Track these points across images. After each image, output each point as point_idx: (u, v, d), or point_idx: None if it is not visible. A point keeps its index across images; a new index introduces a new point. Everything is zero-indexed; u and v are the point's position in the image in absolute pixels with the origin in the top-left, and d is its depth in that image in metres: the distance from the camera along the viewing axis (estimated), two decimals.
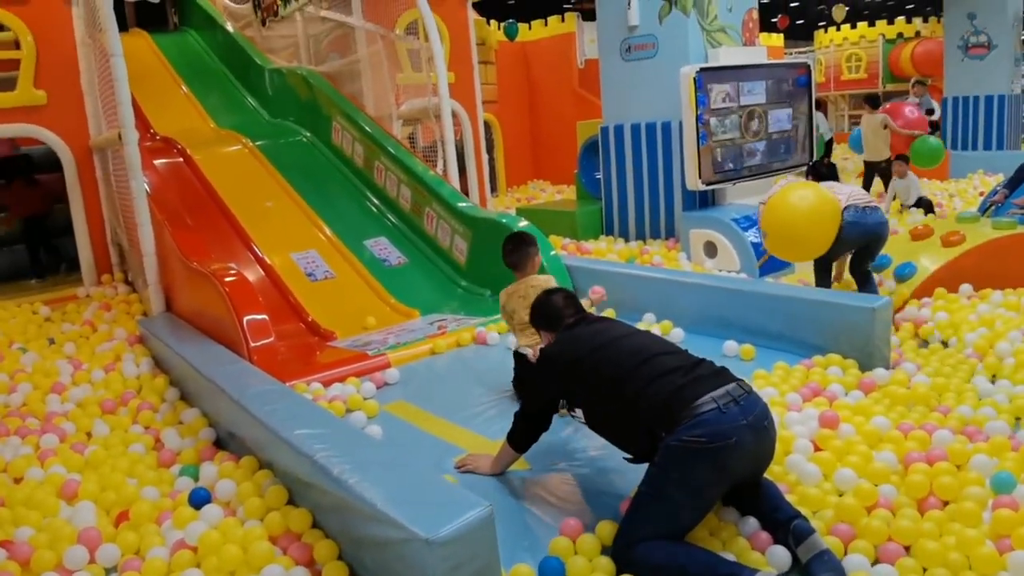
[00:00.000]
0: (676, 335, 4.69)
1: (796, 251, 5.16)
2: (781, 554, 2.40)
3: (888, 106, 10.13)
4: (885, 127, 9.42)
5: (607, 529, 2.55)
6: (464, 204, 6.03)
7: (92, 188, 6.65)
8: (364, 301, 5.58)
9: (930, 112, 12.12)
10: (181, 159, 6.64)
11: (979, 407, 3.40)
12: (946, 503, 2.67)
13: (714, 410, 2.39)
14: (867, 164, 9.83)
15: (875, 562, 2.38)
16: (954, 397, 3.57)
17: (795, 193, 4.92)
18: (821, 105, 12.76)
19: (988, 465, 2.84)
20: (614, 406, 2.62)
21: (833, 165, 10.31)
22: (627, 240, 7.83)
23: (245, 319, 4.29)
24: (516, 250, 4.02)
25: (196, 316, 4.85)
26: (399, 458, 2.64)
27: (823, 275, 5.33)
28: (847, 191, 5.12)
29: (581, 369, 2.72)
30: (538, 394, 2.96)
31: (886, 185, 8.94)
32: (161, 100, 7.76)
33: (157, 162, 6.43)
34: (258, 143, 7.00)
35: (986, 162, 11.59)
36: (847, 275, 5.45)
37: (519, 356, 3.84)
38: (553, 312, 3.07)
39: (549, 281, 3.89)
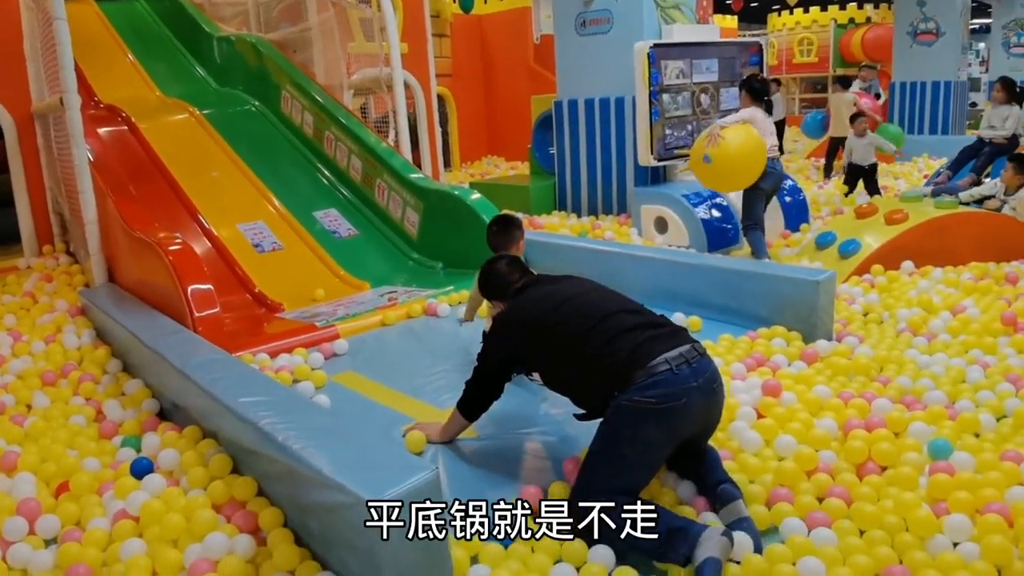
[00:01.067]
0: None
1: (737, 180, 5.72)
2: (712, 520, 2.44)
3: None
4: (855, 105, 9.71)
5: (558, 490, 2.58)
6: (416, 176, 5.98)
7: (33, 156, 6.42)
8: (313, 273, 5.52)
9: (876, 97, 12.37)
10: (126, 127, 6.45)
11: (919, 378, 3.51)
12: (884, 468, 2.75)
13: (667, 371, 2.43)
14: (832, 139, 10.26)
15: (811, 527, 2.44)
16: (895, 368, 3.68)
17: (743, 132, 5.55)
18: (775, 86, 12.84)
19: (925, 432, 2.93)
20: (574, 367, 2.62)
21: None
22: (580, 215, 7.86)
23: (189, 289, 4.21)
24: (502, 232, 3.92)
25: (139, 287, 4.75)
26: (345, 425, 2.62)
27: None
28: (769, 143, 5.78)
29: (537, 332, 2.72)
30: (491, 360, 2.90)
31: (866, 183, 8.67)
32: (106, 68, 7.52)
33: (101, 130, 6.25)
34: (205, 112, 6.83)
35: (931, 146, 11.87)
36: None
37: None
38: (499, 279, 3.05)
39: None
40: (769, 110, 6.05)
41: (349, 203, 6.35)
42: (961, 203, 5.84)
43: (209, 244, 5.54)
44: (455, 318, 4.67)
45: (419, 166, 6.67)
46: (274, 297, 5.12)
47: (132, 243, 4.68)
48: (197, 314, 4.15)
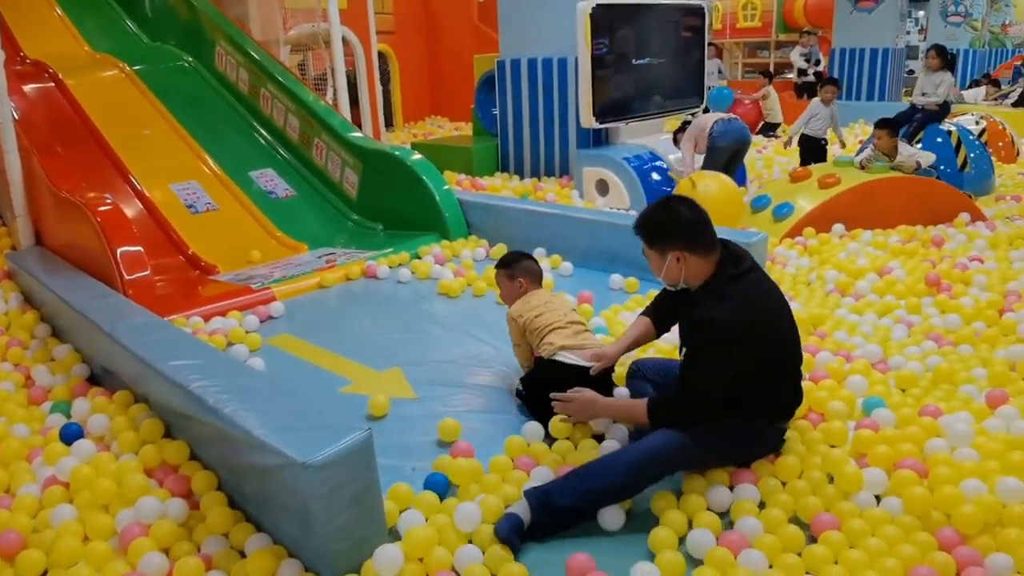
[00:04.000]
0: (565, 268, 4.80)
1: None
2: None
3: None
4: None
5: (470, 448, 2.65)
6: (355, 135, 5.89)
7: None
8: (249, 234, 5.42)
9: (817, 63, 12.55)
10: (53, 84, 6.17)
11: (854, 333, 3.65)
12: (821, 415, 2.84)
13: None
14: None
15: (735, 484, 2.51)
16: (831, 324, 3.81)
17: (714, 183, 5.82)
18: (717, 51, 12.90)
19: (862, 385, 3.05)
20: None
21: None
22: (522, 177, 7.85)
23: (119, 251, 4.10)
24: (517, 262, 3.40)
25: (68, 249, 4.60)
26: (278, 387, 2.60)
27: None
28: (714, 116, 6.45)
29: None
30: (719, 377, 2.39)
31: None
32: (32, 22, 7.16)
33: (26, 87, 5.98)
34: (136, 68, 6.58)
35: (868, 112, 12.07)
36: None
37: (534, 378, 3.07)
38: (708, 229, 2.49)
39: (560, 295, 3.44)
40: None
41: (286, 163, 6.22)
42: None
43: (140, 205, 5.38)
44: (395, 280, 4.65)
45: (359, 125, 6.55)
46: (208, 259, 5.02)
47: (59, 204, 4.52)
48: (127, 277, 4.06)
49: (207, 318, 4.00)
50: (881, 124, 6.04)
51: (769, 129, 11.57)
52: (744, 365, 2.34)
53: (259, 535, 2.26)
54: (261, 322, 4.08)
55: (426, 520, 2.30)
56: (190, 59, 6.95)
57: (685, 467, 2.46)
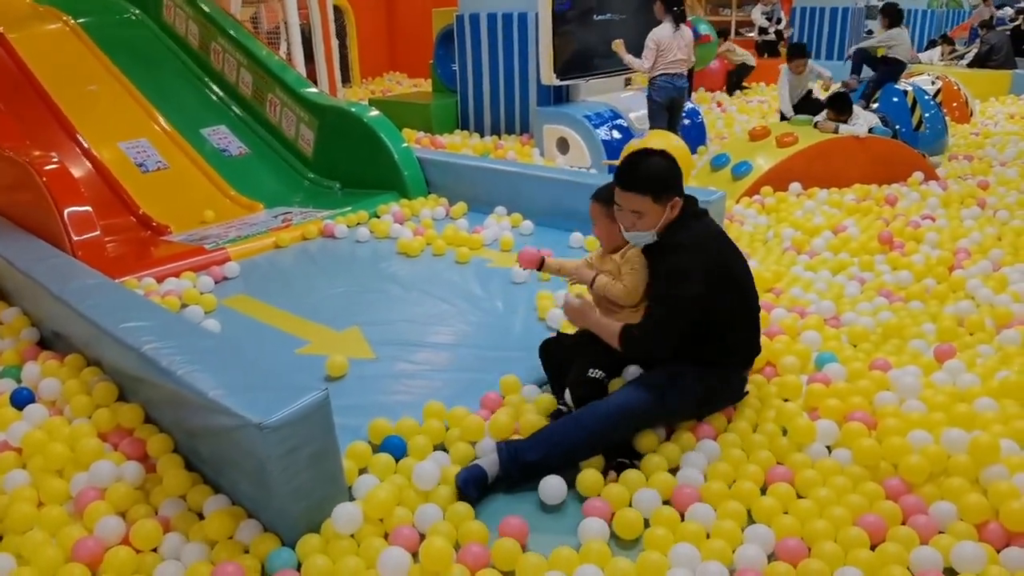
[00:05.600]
0: (526, 227, 4.78)
1: None
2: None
3: None
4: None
5: (433, 407, 2.64)
6: (310, 91, 5.76)
7: None
8: (202, 194, 5.31)
9: (778, 21, 12.55)
10: None
11: (809, 290, 3.71)
12: (775, 369, 2.89)
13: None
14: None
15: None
16: (786, 281, 3.86)
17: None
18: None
19: (816, 340, 3.11)
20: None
21: None
22: (482, 135, 7.78)
23: (66, 211, 3.99)
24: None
25: (13, 210, 4.44)
26: (233, 348, 2.56)
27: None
28: (665, 60, 6.37)
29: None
30: (685, 301, 2.40)
31: None
32: None
33: None
34: (81, 21, 6.34)
35: (829, 70, 12.15)
36: None
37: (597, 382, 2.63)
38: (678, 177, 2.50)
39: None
40: (680, 18, 6.41)
41: (239, 120, 6.08)
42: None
43: (88, 164, 5.23)
44: (353, 239, 4.59)
45: (314, 81, 6.42)
46: (160, 219, 4.91)
47: (3, 163, 4.37)
48: (76, 238, 3.96)
49: (160, 279, 3.93)
50: (829, 102, 6.04)
51: (738, 81, 11.60)
52: (706, 296, 2.37)
53: (217, 496, 2.24)
54: (216, 283, 4.02)
55: (381, 482, 2.30)
56: (137, 11, 6.72)
57: (652, 422, 2.50)
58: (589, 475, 2.32)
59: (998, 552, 2.01)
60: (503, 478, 2.35)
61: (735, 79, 11.71)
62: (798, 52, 7.15)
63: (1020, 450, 2.32)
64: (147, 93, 5.93)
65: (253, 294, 3.90)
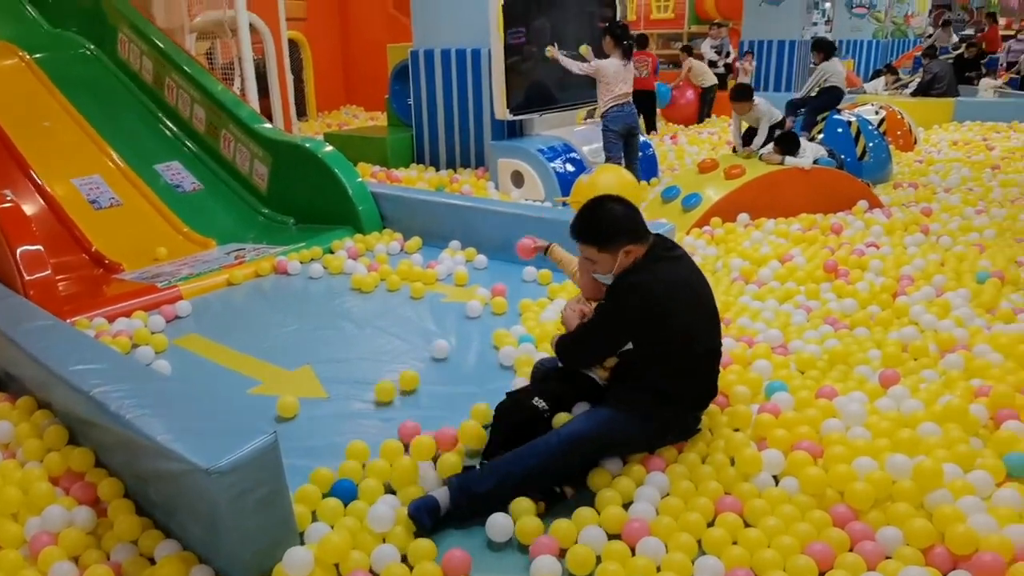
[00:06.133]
0: (480, 261, 4.81)
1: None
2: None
3: None
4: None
5: (391, 448, 2.63)
6: (264, 126, 5.76)
7: None
8: (155, 231, 5.26)
9: (727, 55, 12.86)
10: None
11: (756, 319, 3.79)
12: (726, 397, 2.94)
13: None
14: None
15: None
16: (735, 311, 3.94)
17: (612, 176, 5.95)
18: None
19: (767, 369, 3.17)
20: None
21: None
22: (438, 169, 7.82)
23: (18, 250, 3.95)
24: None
25: None
26: (183, 391, 2.55)
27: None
28: (612, 94, 6.53)
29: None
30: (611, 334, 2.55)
31: None
32: None
33: None
34: (36, 56, 6.29)
35: (776, 103, 12.44)
36: None
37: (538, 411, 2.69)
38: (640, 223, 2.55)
39: None
40: (629, 52, 6.57)
41: (193, 155, 6.05)
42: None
43: (41, 201, 5.17)
44: (306, 276, 4.58)
45: (269, 116, 6.42)
46: (113, 257, 4.85)
47: None
48: (27, 277, 3.92)
49: (111, 319, 3.89)
50: (777, 140, 6.15)
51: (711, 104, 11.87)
52: (648, 334, 2.46)
53: (168, 541, 2.22)
54: (167, 322, 3.98)
55: (332, 528, 2.28)
56: (92, 47, 6.69)
57: (603, 452, 2.53)
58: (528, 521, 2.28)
59: None
60: (453, 512, 2.34)
61: (708, 101, 11.92)
62: (739, 95, 6.91)
63: (963, 474, 2.38)
64: (101, 129, 5.88)
65: (205, 333, 3.87)
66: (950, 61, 13.04)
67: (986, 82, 13.26)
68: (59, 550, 2.21)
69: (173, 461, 2.05)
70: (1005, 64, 15.77)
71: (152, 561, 2.19)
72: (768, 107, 6.71)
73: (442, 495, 2.35)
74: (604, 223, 2.48)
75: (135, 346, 3.62)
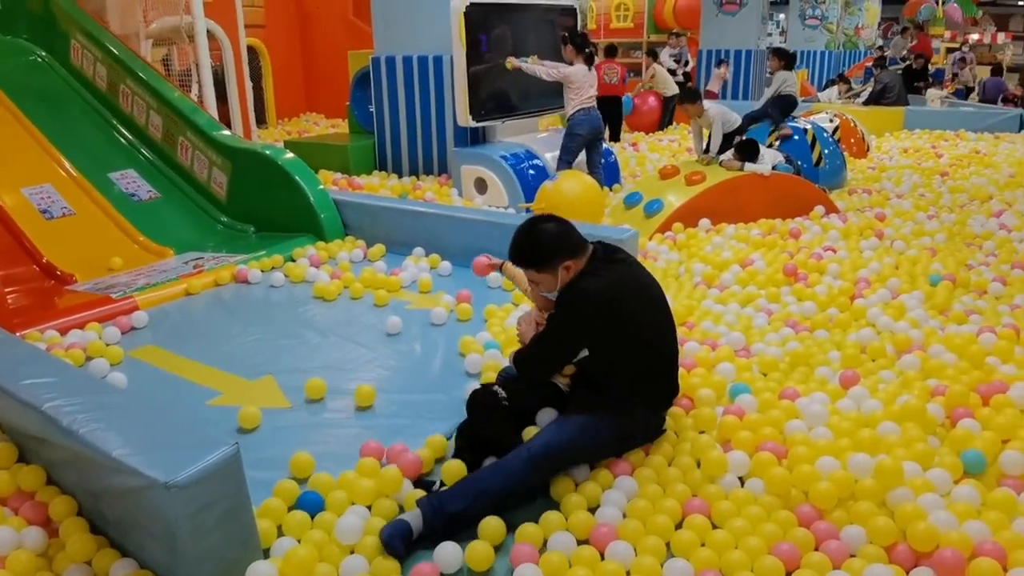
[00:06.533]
0: (444, 268, 4.78)
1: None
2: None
3: None
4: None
5: (368, 465, 2.58)
6: (222, 134, 5.67)
7: None
8: (109, 240, 5.14)
9: (686, 64, 13.01)
10: None
11: (719, 323, 3.82)
12: (691, 400, 2.95)
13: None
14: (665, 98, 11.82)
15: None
16: (698, 315, 3.97)
17: (575, 181, 5.91)
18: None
19: (730, 372, 3.19)
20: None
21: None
22: (400, 176, 7.78)
23: None
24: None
25: None
26: (139, 404, 2.47)
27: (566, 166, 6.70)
28: (580, 98, 6.65)
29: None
30: (565, 342, 2.58)
31: None
32: None
33: None
34: None
35: (735, 110, 12.61)
36: None
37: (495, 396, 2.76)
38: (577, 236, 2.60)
39: None
40: (591, 60, 6.73)
41: (149, 163, 5.94)
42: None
43: None
44: (267, 284, 4.51)
45: (228, 123, 6.33)
46: (65, 268, 4.73)
47: None
48: None
49: (64, 331, 3.77)
50: (737, 148, 6.20)
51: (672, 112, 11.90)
52: (601, 338, 2.48)
53: (124, 560, 2.15)
54: (123, 334, 3.88)
55: (299, 541, 2.24)
56: (43, 54, 6.54)
57: (575, 461, 2.53)
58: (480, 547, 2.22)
59: (907, 573, 2.09)
60: (427, 535, 2.27)
61: (670, 110, 11.93)
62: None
63: (923, 472, 2.42)
64: (52, 137, 5.74)
65: (162, 344, 3.78)
66: (899, 72, 13.36)
67: (932, 92, 13.63)
68: (7, 574, 2.12)
69: (129, 476, 1.99)
70: (951, 76, 16.24)
71: None
72: (720, 111, 6.79)
73: (414, 517, 2.29)
74: (538, 245, 2.53)
75: (89, 359, 3.51)
